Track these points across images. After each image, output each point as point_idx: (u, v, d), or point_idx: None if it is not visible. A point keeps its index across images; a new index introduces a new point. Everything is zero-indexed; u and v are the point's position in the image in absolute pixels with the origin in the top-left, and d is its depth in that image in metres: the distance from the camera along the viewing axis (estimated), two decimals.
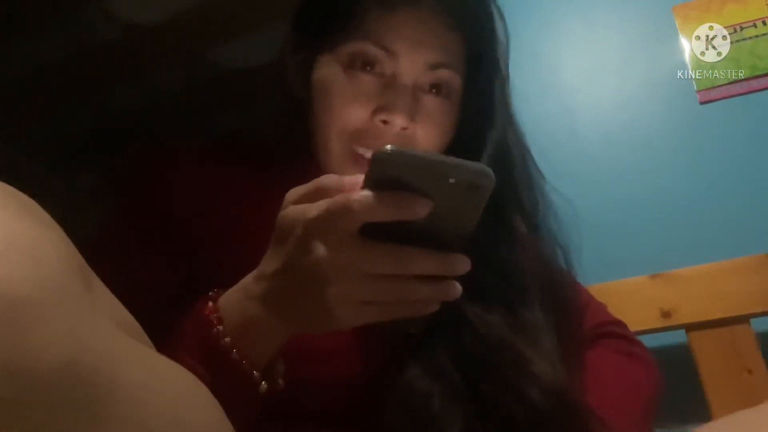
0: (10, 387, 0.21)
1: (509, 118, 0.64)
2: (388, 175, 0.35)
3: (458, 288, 0.39)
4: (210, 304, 0.45)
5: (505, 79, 0.64)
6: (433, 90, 0.58)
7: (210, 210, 0.58)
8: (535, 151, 0.79)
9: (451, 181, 0.35)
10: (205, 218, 0.57)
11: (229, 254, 0.46)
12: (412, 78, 0.56)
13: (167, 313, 0.46)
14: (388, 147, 0.35)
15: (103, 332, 0.27)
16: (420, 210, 0.35)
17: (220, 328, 0.43)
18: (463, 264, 0.38)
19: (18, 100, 0.78)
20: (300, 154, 0.60)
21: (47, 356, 0.22)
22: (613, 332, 0.73)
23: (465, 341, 0.56)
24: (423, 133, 0.56)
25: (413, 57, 0.55)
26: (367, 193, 0.36)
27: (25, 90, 0.76)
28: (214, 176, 0.60)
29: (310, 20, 0.61)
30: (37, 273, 0.23)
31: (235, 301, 0.44)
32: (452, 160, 0.36)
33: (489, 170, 0.35)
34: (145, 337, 0.34)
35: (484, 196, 0.36)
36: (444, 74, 0.57)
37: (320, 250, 0.37)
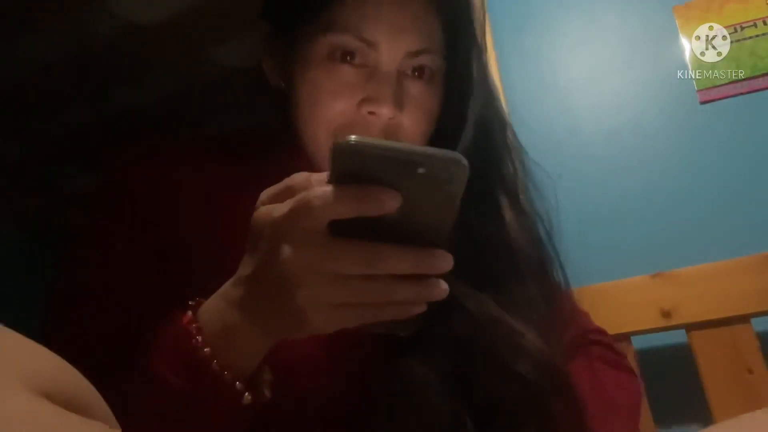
0: None
1: (489, 93, 0.61)
2: (352, 168, 0.33)
3: (444, 287, 0.36)
4: (189, 313, 0.43)
5: (482, 53, 0.61)
6: (416, 73, 0.56)
7: (194, 212, 0.56)
8: (535, 151, 0.79)
9: (421, 171, 0.32)
10: (189, 220, 0.56)
11: (215, 256, 0.45)
12: (394, 66, 0.54)
13: (154, 318, 0.45)
14: (351, 137, 0.32)
15: None
16: (388, 204, 0.33)
17: (200, 338, 0.41)
18: (444, 261, 0.35)
19: (18, 100, 0.77)
20: (285, 150, 0.59)
21: None
22: (600, 341, 0.73)
23: (455, 322, 0.54)
24: (409, 120, 0.55)
25: (393, 45, 0.54)
26: (327, 188, 0.34)
27: (25, 90, 0.76)
28: (198, 177, 0.58)
29: (285, 13, 0.59)
30: None
31: (215, 308, 0.42)
32: (420, 148, 0.33)
33: (461, 157, 0.33)
34: None
35: (459, 186, 0.33)
36: (425, 59, 0.56)
37: (287, 251, 0.35)
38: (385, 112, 0.53)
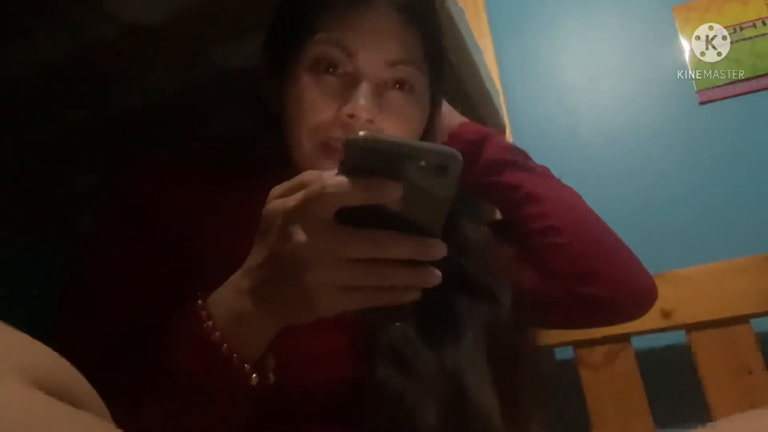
0: None
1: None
2: (360, 161, 0.36)
3: (437, 274, 0.39)
4: (200, 301, 0.46)
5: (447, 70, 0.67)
6: (397, 86, 0.59)
7: (197, 219, 0.59)
8: (534, 151, 0.79)
9: (422, 164, 0.36)
10: (192, 228, 0.59)
11: (218, 260, 0.47)
12: (373, 75, 0.57)
13: (162, 316, 0.48)
14: (361, 132, 0.36)
15: None
16: (391, 193, 0.36)
17: (210, 323, 0.44)
18: (438, 248, 0.39)
19: (18, 100, 0.77)
20: (281, 163, 0.61)
21: None
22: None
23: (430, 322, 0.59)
24: (390, 127, 0.58)
25: (371, 55, 0.57)
26: (340, 178, 0.37)
27: (25, 90, 0.76)
28: (199, 186, 0.62)
29: (278, 32, 0.64)
30: None
31: (225, 296, 0.45)
32: (422, 143, 0.37)
33: (456, 152, 0.36)
34: None
35: (453, 178, 0.37)
36: (404, 71, 0.59)
37: (298, 236, 0.39)
38: (363, 114, 0.55)
